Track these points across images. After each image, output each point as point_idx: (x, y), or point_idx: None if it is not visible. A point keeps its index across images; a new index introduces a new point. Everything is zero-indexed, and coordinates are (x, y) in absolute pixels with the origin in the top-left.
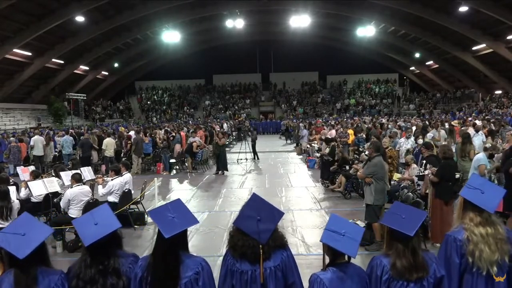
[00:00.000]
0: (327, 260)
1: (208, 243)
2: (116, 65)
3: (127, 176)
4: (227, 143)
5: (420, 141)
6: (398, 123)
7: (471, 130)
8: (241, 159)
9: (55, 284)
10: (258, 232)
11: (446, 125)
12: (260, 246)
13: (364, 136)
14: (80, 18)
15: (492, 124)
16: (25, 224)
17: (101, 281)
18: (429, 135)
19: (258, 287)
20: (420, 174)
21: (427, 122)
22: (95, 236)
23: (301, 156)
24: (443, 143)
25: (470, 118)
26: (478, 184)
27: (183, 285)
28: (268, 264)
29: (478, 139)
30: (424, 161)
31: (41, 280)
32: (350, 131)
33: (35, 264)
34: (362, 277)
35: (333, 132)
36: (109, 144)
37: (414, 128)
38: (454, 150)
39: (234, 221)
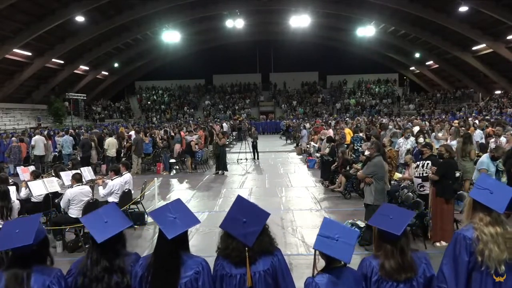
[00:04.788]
0: (322, 262)
1: (208, 243)
2: (116, 65)
3: (127, 176)
4: (227, 143)
5: (421, 140)
6: (399, 123)
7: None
8: (241, 159)
9: (50, 282)
10: (244, 234)
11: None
12: (246, 249)
13: (361, 135)
14: (80, 18)
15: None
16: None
17: (106, 279)
18: (432, 134)
19: None
20: (424, 175)
21: (427, 122)
22: (108, 233)
23: (301, 156)
24: (447, 141)
25: (470, 118)
26: (487, 184)
27: (183, 284)
28: (257, 268)
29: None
30: (429, 162)
31: (36, 278)
32: (348, 131)
33: (31, 263)
34: (358, 281)
35: (331, 131)
36: (111, 144)
37: (417, 128)
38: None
39: (220, 224)
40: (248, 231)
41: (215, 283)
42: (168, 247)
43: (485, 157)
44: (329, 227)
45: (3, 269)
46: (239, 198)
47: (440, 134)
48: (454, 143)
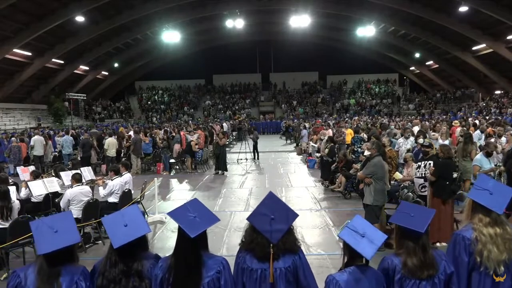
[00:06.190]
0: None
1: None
2: (116, 65)
3: (127, 176)
4: (227, 143)
5: (421, 140)
6: (399, 123)
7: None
8: (241, 159)
9: (78, 279)
10: (270, 231)
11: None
12: (271, 245)
13: (362, 135)
14: (80, 18)
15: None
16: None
17: (124, 282)
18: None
19: (267, 287)
20: (426, 175)
21: (426, 123)
22: (124, 239)
23: (301, 156)
24: (444, 142)
25: (470, 118)
26: (486, 185)
27: (205, 284)
28: (278, 265)
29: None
30: (431, 162)
31: (65, 274)
32: (350, 131)
33: (62, 260)
34: (380, 281)
35: (330, 131)
36: (111, 144)
37: (417, 128)
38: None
39: (248, 217)
40: (275, 228)
41: (237, 276)
42: (189, 247)
43: (478, 155)
44: (360, 224)
45: (36, 265)
46: (271, 195)
47: (436, 134)
48: (446, 143)
